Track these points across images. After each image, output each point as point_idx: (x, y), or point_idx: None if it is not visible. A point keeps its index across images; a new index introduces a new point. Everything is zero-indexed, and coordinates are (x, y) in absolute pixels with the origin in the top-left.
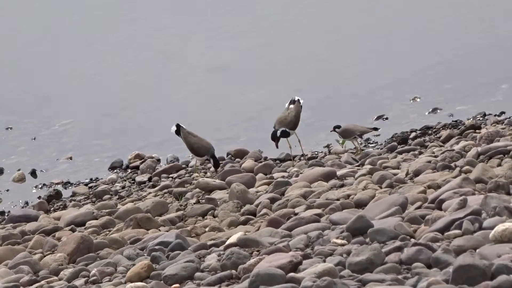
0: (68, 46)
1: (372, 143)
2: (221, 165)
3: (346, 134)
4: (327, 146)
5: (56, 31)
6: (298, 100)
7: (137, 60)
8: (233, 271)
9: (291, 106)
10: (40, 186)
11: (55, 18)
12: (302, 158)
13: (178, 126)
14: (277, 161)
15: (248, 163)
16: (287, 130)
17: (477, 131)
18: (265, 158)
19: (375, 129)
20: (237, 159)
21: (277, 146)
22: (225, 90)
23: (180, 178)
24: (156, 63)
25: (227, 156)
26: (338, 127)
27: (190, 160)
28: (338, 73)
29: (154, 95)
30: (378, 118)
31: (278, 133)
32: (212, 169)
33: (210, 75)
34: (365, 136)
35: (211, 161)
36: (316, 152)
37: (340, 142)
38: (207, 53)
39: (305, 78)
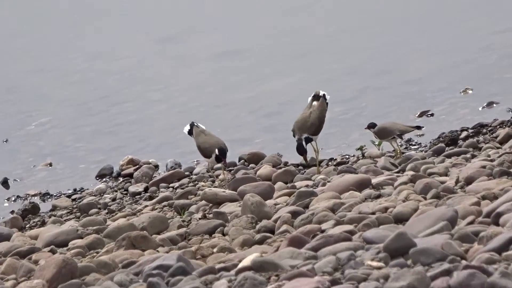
0: (56, 37)
1: (414, 145)
2: (232, 170)
3: (383, 133)
4: (360, 148)
5: (43, 21)
6: (324, 96)
7: (136, 45)
8: None
9: (315, 103)
10: (13, 199)
11: (43, 9)
12: (330, 163)
13: (192, 125)
14: (300, 167)
15: (264, 169)
16: (309, 136)
17: None
18: (286, 164)
19: (418, 127)
20: (251, 165)
21: (306, 160)
22: (238, 79)
23: (182, 188)
24: (158, 48)
25: (239, 161)
26: (374, 125)
27: (194, 166)
28: (373, 62)
29: (153, 87)
30: (422, 114)
31: (305, 143)
32: (221, 176)
33: (221, 60)
34: (406, 136)
35: (217, 152)
36: (347, 156)
37: (376, 143)
38: (218, 36)
39: (335, 67)
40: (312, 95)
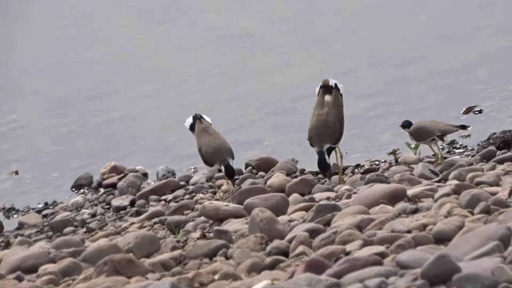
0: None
1: (459, 148)
2: (237, 178)
3: (421, 134)
4: (393, 152)
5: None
6: (336, 86)
7: (123, 28)
8: None
9: (328, 97)
10: None
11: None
12: (356, 171)
13: (195, 118)
14: (320, 176)
15: (276, 178)
16: (332, 146)
17: None
18: (302, 171)
19: (463, 127)
20: (260, 173)
21: (329, 178)
22: (244, 69)
23: (177, 202)
24: (149, 31)
25: (245, 168)
26: (409, 124)
27: (191, 174)
28: (403, 49)
29: (143, 78)
30: (468, 110)
31: (327, 156)
32: (224, 187)
33: (224, 46)
34: (449, 138)
35: (222, 169)
36: (377, 162)
37: (412, 146)
38: (220, 18)
39: (358, 55)
40: (321, 85)
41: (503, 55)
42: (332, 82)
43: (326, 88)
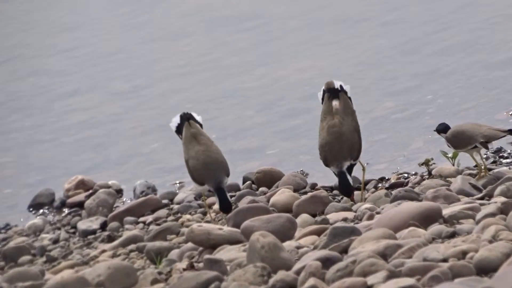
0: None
1: (507, 157)
2: (234, 196)
3: (460, 141)
4: (426, 163)
5: None
6: (342, 88)
7: (92, 9)
8: None
9: (336, 103)
10: None
11: None
12: (380, 185)
13: (184, 118)
14: (335, 192)
15: (282, 195)
16: (353, 163)
17: None
18: (313, 186)
19: (511, 132)
20: (261, 189)
21: (354, 201)
22: (242, 60)
23: (158, 224)
24: (125, 13)
25: (243, 182)
26: (446, 128)
27: (176, 190)
28: (437, 35)
29: (118, 71)
30: None
31: (350, 178)
32: (217, 206)
33: (217, 31)
34: (494, 145)
35: (216, 199)
36: (406, 175)
37: (450, 155)
38: None
39: (383, 43)
40: (324, 89)
41: None
42: (337, 84)
43: (332, 92)
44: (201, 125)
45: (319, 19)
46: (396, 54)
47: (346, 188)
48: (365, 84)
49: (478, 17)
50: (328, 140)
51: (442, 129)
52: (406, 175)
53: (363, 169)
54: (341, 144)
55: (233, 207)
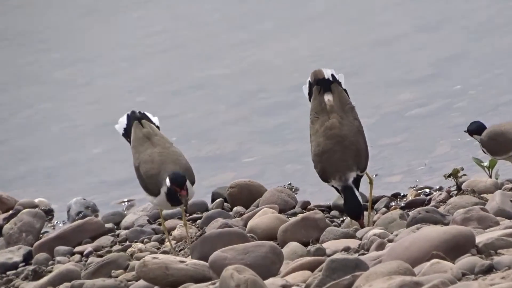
0: None
1: None
2: (200, 217)
3: (499, 145)
4: (454, 174)
5: None
6: (334, 78)
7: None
8: None
9: (328, 97)
10: None
11: None
12: (393, 204)
13: (133, 117)
14: (332, 211)
15: (263, 217)
16: (360, 174)
17: None
18: (305, 206)
19: None
20: (236, 208)
21: (363, 225)
22: (214, 41)
23: (100, 256)
24: None
25: (213, 201)
26: (479, 128)
27: (124, 210)
28: (469, 8)
29: (56, 54)
30: None
31: (358, 194)
32: (179, 231)
33: (185, 6)
34: None
35: (167, 183)
36: (427, 190)
37: (486, 164)
38: None
39: (391, 18)
40: (311, 80)
41: None
42: (327, 74)
43: (322, 84)
44: (158, 128)
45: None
46: (413, 31)
47: (354, 208)
48: (372, 70)
49: None
50: (326, 146)
51: (475, 129)
52: (427, 190)
53: (370, 183)
54: (344, 151)
55: (200, 233)
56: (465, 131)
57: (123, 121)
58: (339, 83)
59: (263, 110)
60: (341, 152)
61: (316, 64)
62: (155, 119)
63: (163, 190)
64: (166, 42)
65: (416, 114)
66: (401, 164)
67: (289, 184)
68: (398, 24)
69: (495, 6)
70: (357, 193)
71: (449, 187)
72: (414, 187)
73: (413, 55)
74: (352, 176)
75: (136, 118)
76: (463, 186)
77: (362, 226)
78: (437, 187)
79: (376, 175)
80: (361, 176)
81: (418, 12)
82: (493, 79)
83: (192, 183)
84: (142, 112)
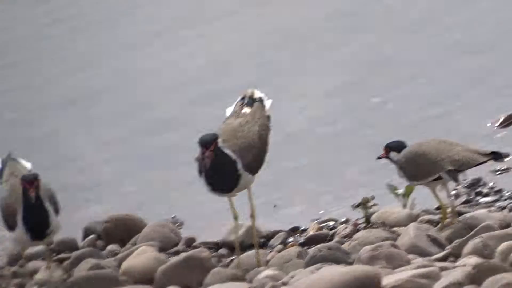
0: None
1: (486, 195)
2: (66, 258)
3: (419, 168)
4: (364, 204)
5: None
6: (261, 99)
7: None
8: None
9: (246, 110)
10: None
11: None
12: (291, 240)
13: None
14: (220, 249)
15: (140, 257)
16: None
17: None
18: (189, 243)
19: (497, 156)
20: (110, 247)
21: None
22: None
23: None
24: None
25: (84, 237)
26: (398, 146)
27: None
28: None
29: None
30: (508, 121)
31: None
32: (43, 274)
33: None
34: (470, 174)
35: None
36: (331, 223)
37: (400, 192)
38: None
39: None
40: (241, 97)
41: None
42: (258, 95)
43: (248, 101)
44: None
45: None
46: (324, 31)
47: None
48: (279, 81)
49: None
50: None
51: (395, 147)
52: (331, 223)
53: (253, 215)
54: (235, 140)
55: (66, 276)
56: (383, 152)
57: None
58: (263, 104)
59: (147, 127)
60: (232, 140)
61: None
62: (27, 165)
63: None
64: None
65: (323, 133)
66: (302, 192)
67: (174, 217)
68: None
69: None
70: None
71: (357, 219)
72: (317, 220)
73: (324, 62)
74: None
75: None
76: (372, 218)
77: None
78: (343, 219)
79: (274, 206)
80: (240, 172)
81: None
82: (416, 89)
83: (56, 211)
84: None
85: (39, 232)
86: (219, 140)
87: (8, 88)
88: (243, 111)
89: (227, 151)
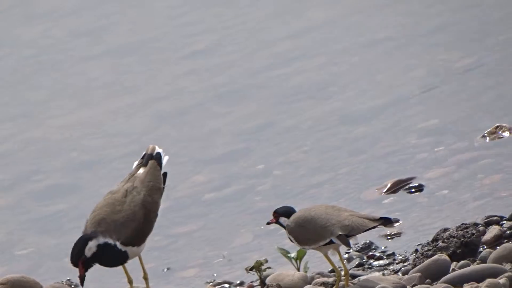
0: None
1: (379, 258)
2: None
3: (309, 233)
4: (257, 267)
5: None
6: (158, 155)
7: None
8: None
9: (141, 170)
10: None
11: None
12: None
13: None
14: None
15: None
16: (111, 243)
17: None
18: None
19: (386, 221)
20: None
21: (81, 279)
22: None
23: None
24: None
25: None
26: (287, 212)
27: None
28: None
29: None
30: (397, 186)
31: (87, 247)
32: None
33: None
34: (361, 238)
35: None
36: (227, 286)
37: (292, 256)
38: None
39: None
40: (142, 156)
41: (460, 82)
42: (156, 151)
43: (146, 159)
44: None
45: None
46: (209, 101)
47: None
48: (165, 146)
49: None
50: (98, 208)
51: (283, 212)
52: (227, 285)
53: (145, 278)
54: (113, 215)
55: None
56: (268, 223)
57: None
58: (158, 163)
59: (38, 194)
60: (109, 216)
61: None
62: None
63: None
64: None
65: (213, 199)
66: (196, 256)
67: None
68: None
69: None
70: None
71: (251, 282)
72: (211, 282)
73: (209, 128)
74: (103, 239)
75: None
76: (267, 281)
77: (80, 279)
78: (238, 282)
79: (168, 269)
80: (118, 247)
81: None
82: (300, 155)
83: None
84: None
85: None
86: (87, 247)
87: None
88: (138, 172)
89: (103, 240)
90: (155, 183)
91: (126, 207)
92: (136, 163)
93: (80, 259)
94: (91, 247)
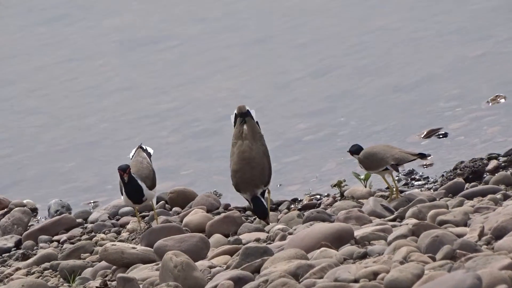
0: None
1: (418, 179)
2: (147, 215)
3: (372, 163)
4: (338, 184)
5: None
6: (248, 112)
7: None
8: None
9: (245, 127)
10: None
11: None
12: (292, 206)
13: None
14: (248, 212)
15: (195, 215)
16: (263, 188)
17: None
18: (226, 207)
19: (423, 155)
20: (175, 209)
21: (268, 223)
22: (158, 82)
23: (72, 243)
24: (44, 30)
25: (156, 202)
26: (358, 150)
27: (90, 209)
28: (355, 57)
29: (35, 88)
30: (430, 134)
31: (264, 201)
32: (131, 225)
33: (135, 53)
34: (406, 167)
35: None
36: (318, 196)
37: (362, 177)
38: (130, 18)
39: (297, 64)
40: (236, 113)
41: (473, 65)
42: (245, 109)
43: (243, 116)
44: (149, 155)
45: (234, 40)
46: (307, 76)
47: (261, 212)
48: (277, 106)
49: (390, 41)
50: (240, 167)
51: (355, 150)
52: (318, 196)
53: (268, 191)
54: (252, 171)
55: (147, 227)
56: (347, 152)
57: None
58: (252, 117)
59: (195, 135)
60: (251, 172)
61: (233, 101)
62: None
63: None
64: (120, 83)
65: (310, 140)
66: (298, 177)
67: (215, 191)
68: (297, 69)
69: (370, 54)
70: (263, 200)
71: (334, 194)
72: (308, 194)
73: (310, 94)
74: (258, 191)
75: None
76: (345, 194)
77: (267, 223)
78: (326, 194)
79: (280, 185)
80: (265, 189)
81: (312, 59)
82: (368, 114)
83: (150, 187)
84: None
85: (136, 199)
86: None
87: None
88: (243, 128)
89: (255, 193)
90: (259, 133)
91: (257, 162)
92: (233, 118)
93: (267, 212)
94: (263, 200)
